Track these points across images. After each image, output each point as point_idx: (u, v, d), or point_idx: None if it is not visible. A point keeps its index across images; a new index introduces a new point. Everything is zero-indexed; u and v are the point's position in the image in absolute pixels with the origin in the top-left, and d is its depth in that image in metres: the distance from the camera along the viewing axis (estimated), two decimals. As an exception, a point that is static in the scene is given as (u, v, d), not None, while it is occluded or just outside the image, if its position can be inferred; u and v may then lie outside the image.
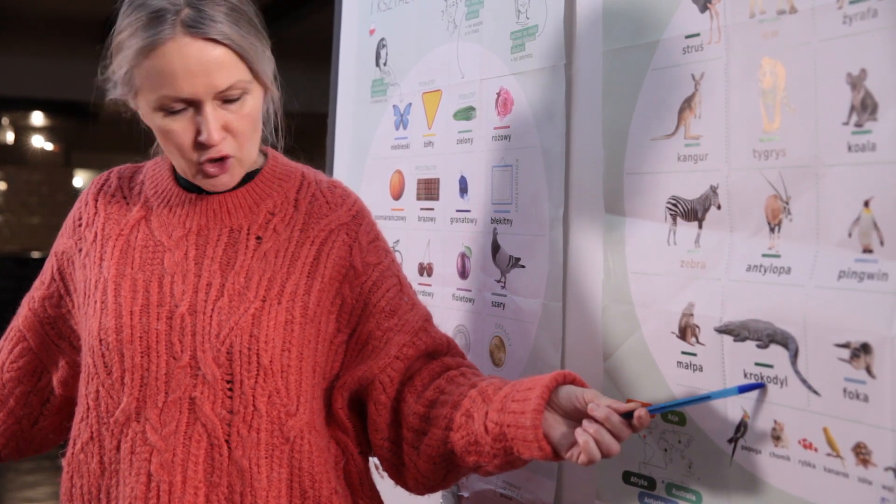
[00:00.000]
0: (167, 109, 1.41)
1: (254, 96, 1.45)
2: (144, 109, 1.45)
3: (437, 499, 1.91)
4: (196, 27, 1.37)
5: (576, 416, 1.33)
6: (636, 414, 1.28)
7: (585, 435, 1.28)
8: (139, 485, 1.42)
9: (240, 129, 1.44)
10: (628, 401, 1.49)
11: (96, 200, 1.59)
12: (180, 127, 1.42)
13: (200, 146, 1.43)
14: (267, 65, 1.48)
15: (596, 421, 1.29)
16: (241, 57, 1.41)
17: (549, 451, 1.33)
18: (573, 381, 1.36)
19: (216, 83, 1.39)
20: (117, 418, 1.45)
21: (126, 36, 1.41)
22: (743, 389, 1.30)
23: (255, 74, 1.44)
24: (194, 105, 1.40)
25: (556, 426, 1.34)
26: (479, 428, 1.40)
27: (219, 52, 1.39)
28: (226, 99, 1.41)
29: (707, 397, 1.34)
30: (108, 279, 1.49)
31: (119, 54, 1.43)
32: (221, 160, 1.45)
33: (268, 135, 1.60)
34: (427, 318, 1.60)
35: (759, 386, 1.30)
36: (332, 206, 1.58)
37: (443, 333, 1.61)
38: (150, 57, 1.38)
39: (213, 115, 1.40)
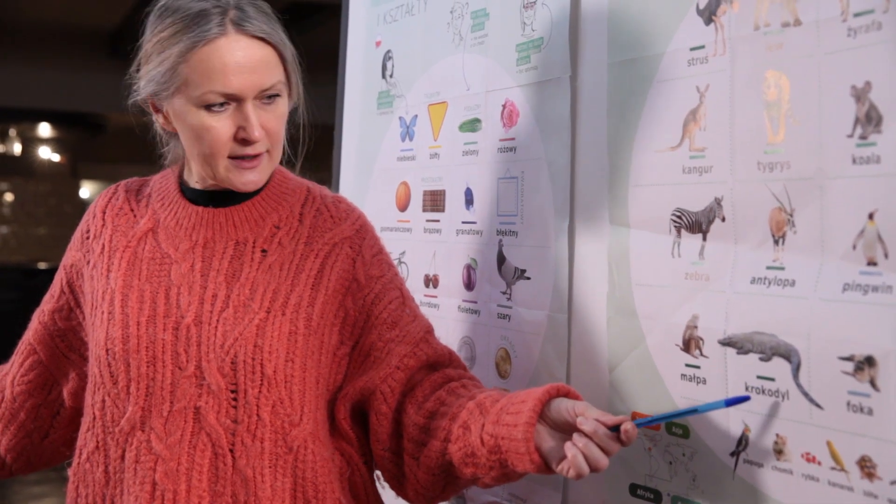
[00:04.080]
0: (210, 105, 1.43)
1: (284, 100, 1.50)
2: (181, 107, 1.46)
3: (441, 511, 1.90)
4: (244, 25, 1.43)
5: (566, 430, 1.33)
6: (622, 428, 1.28)
7: (574, 449, 1.28)
8: (144, 493, 1.43)
9: (274, 129, 1.48)
10: (633, 414, 1.49)
11: (104, 213, 1.60)
12: (221, 124, 1.44)
13: (239, 143, 1.46)
14: (296, 71, 1.53)
15: (585, 434, 1.29)
16: (282, 59, 1.48)
17: (541, 464, 1.33)
18: (567, 394, 1.36)
19: (261, 81, 1.44)
20: (122, 427, 1.45)
21: (168, 35, 1.44)
22: (730, 403, 1.30)
23: (289, 78, 1.50)
24: (236, 102, 1.44)
25: (548, 439, 1.34)
26: (475, 440, 1.40)
27: (266, 52, 1.45)
28: (264, 98, 1.46)
29: (694, 410, 1.34)
30: (116, 290, 1.50)
31: (160, 54, 1.45)
32: (254, 157, 1.48)
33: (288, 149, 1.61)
34: (429, 329, 1.60)
35: (745, 399, 1.30)
36: (336, 221, 1.59)
37: (444, 345, 1.61)
38: (201, 52, 1.42)
39: (256, 113, 1.45)
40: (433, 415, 1.50)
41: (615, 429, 1.29)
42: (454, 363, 1.61)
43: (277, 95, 1.48)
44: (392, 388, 1.54)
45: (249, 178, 1.49)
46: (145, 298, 1.49)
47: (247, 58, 1.42)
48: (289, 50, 1.50)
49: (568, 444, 1.30)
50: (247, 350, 1.44)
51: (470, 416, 1.43)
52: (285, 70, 1.49)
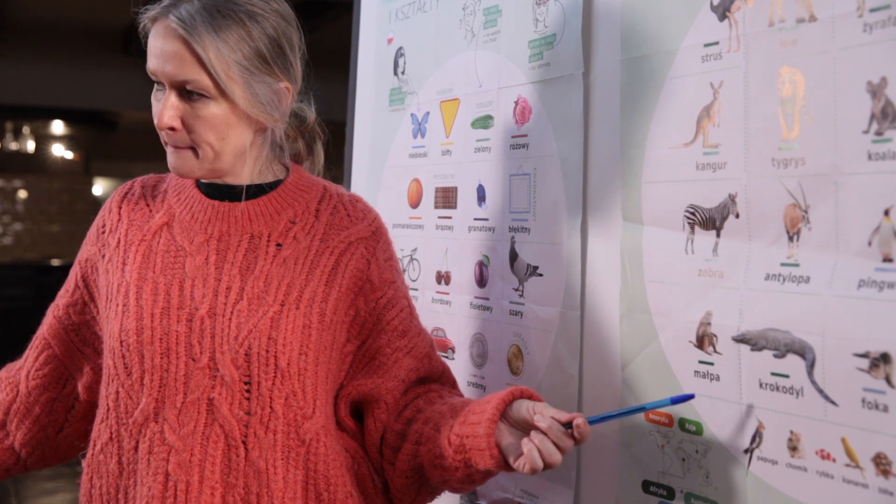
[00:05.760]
0: (154, 83, 1.48)
1: (217, 105, 1.45)
2: None
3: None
4: (170, 16, 1.43)
5: (526, 428, 1.38)
6: (574, 423, 1.33)
7: (529, 444, 1.34)
8: (157, 484, 1.43)
9: (194, 127, 1.46)
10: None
11: (120, 208, 1.61)
12: (155, 105, 1.48)
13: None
14: (250, 91, 1.46)
15: (541, 431, 1.34)
16: (201, 63, 1.43)
17: (500, 460, 1.39)
18: (530, 397, 1.42)
19: (173, 73, 1.44)
20: (136, 419, 1.46)
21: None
22: (675, 401, 1.36)
23: (221, 90, 1.44)
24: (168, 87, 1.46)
25: (507, 436, 1.40)
26: (443, 441, 1.46)
27: (177, 46, 1.43)
28: (193, 95, 1.45)
29: (642, 408, 1.40)
30: (131, 283, 1.51)
31: None
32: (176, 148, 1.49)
33: (280, 147, 1.60)
34: (431, 344, 1.66)
35: (690, 397, 1.37)
36: (352, 220, 1.60)
37: (442, 361, 1.67)
38: (152, 30, 1.47)
39: (171, 102, 1.45)
40: (409, 421, 1.56)
41: (570, 426, 1.34)
42: (443, 378, 1.67)
43: (203, 96, 1.44)
44: (396, 398, 1.58)
45: (172, 161, 1.50)
46: (159, 290, 1.49)
47: (163, 45, 1.44)
48: (231, 63, 1.43)
49: (524, 440, 1.35)
50: (261, 342, 1.45)
51: (441, 419, 1.49)
52: (211, 78, 1.43)
